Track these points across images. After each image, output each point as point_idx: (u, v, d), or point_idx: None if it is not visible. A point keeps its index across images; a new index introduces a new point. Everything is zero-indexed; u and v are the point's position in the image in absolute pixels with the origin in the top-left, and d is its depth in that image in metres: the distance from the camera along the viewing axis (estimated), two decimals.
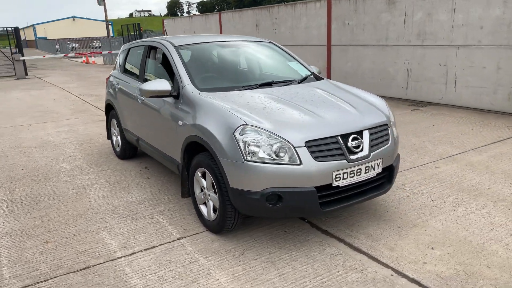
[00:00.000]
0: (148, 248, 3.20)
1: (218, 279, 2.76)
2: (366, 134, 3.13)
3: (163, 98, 3.82)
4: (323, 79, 4.23)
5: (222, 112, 3.13)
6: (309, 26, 11.31)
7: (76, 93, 12.56)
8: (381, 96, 9.52)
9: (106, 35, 37.08)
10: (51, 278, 2.84)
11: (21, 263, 3.06)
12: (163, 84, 3.61)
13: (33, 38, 61.03)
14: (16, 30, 19.19)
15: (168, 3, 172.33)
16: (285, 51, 4.58)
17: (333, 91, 3.71)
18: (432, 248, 3.05)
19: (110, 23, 55.60)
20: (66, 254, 3.16)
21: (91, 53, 26.94)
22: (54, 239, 3.40)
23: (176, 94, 3.67)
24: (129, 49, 5.17)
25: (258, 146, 2.86)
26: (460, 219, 3.50)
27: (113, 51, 24.13)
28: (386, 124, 3.35)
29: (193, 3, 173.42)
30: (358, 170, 3.04)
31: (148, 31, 35.61)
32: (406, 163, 4.95)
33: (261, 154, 2.85)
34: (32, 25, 62.79)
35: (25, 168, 5.28)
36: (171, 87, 3.63)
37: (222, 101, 3.30)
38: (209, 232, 3.40)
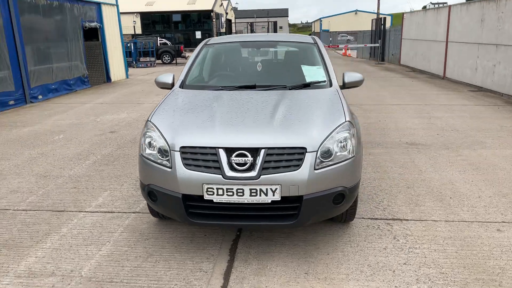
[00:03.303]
0: (108, 212, 3.85)
1: (99, 250, 3.16)
2: (261, 153, 2.74)
3: None
4: (330, 88, 3.67)
5: (156, 107, 3.38)
6: None
7: None
8: None
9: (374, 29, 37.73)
10: (35, 210, 3.90)
11: (41, 193, 4.26)
12: (167, 77, 4.06)
13: (318, 30, 68.34)
14: (275, 24, 22.37)
15: None
16: (321, 54, 4.13)
17: (295, 103, 3.26)
18: None
19: (390, 15, 55.87)
20: (69, 198, 4.18)
21: (336, 45, 28.32)
22: (81, 187, 4.49)
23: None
24: None
25: (150, 143, 3.01)
26: None
27: (368, 45, 24.67)
28: (303, 149, 2.77)
29: None
30: (239, 190, 2.73)
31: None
32: (465, 213, 3.65)
33: (151, 151, 3.00)
34: (319, 19, 70.08)
35: None
36: (173, 80, 4.04)
37: (176, 97, 3.53)
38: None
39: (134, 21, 41.31)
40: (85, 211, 3.86)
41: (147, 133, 3.07)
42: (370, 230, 3.40)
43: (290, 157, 2.76)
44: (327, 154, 2.84)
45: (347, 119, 3.05)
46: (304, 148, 2.78)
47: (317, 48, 4.24)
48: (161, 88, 4.21)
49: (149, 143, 3.02)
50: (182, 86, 3.87)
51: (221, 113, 3.10)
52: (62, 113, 8.85)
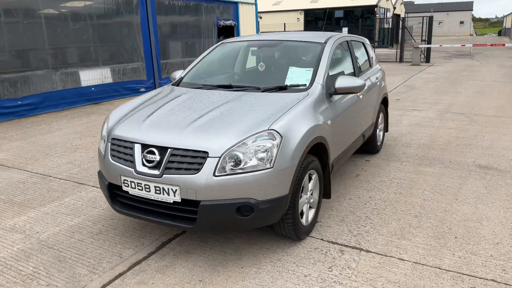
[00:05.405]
0: None
1: (71, 221, 3.65)
2: (168, 153, 2.77)
3: None
4: (301, 93, 3.36)
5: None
6: None
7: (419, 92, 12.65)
8: None
9: None
10: (66, 180, 4.66)
11: (84, 167, 5.03)
12: (178, 74, 4.30)
13: (509, 26, 58.33)
14: (430, 19, 20.25)
15: None
16: (320, 56, 3.76)
17: (240, 106, 3.11)
18: None
19: None
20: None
21: (502, 44, 23.77)
22: None
23: None
24: None
25: (102, 133, 3.33)
26: None
27: None
28: (205, 153, 2.67)
29: None
30: (147, 186, 2.83)
31: None
32: (452, 259, 2.92)
33: (101, 140, 3.32)
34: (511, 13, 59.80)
35: None
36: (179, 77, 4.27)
37: (153, 93, 3.77)
38: None
39: (298, 18, 42.69)
40: (96, 187, 4.45)
41: (104, 124, 3.39)
42: (313, 254, 3.04)
43: (193, 160, 2.71)
44: (235, 161, 2.68)
45: (273, 127, 2.79)
46: (206, 153, 2.69)
47: (321, 49, 3.87)
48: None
49: (102, 132, 3.33)
50: (178, 83, 4.07)
51: (162, 110, 3.21)
52: None
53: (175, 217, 2.84)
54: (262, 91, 3.47)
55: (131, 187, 2.90)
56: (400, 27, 21.10)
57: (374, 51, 21.02)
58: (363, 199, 4.01)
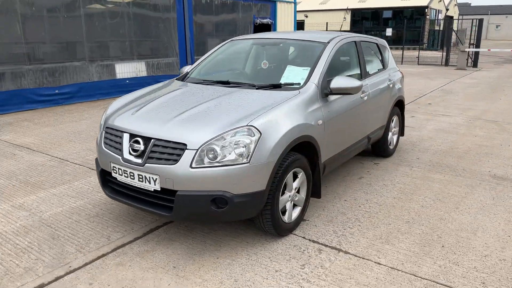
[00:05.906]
0: None
1: (74, 203, 3.89)
2: (151, 143, 2.90)
3: None
4: (292, 91, 3.37)
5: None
6: None
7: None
8: None
9: None
10: (81, 165, 4.94)
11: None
12: (186, 69, 4.44)
13: None
14: (480, 21, 19.29)
15: None
16: (320, 55, 3.74)
17: (229, 102, 3.18)
18: None
19: None
20: None
21: None
22: None
23: None
24: None
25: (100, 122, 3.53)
26: None
27: None
28: (184, 145, 2.77)
29: None
30: (131, 174, 2.97)
31: None
32: (431, 268, 2.85)
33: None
34: None
35: None
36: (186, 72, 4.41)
37: (156, 86, 3.92)
38: None
39: (344, 18, 42.00)
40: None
41: (103, 113, 3.58)
42: (290, 251, 3.07)
43: (172, 151, 2.83)
44: (212, 154, 2.76)
45: (252, 124, 2.84)
46: (185, 145, 2.79)
47: (322, 49, 3.85)
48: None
49: (100, 121, 3.53)
50: (183, 77, 4.20)
51: (156, 103, 3.35)
52: None
53: (155, 204, 2.97)
54: (256, 88, 3.53)
55: (119, 174, 3.06)
56: (447, 29, 20.23)
57: (419, 54, 20.22)
58: (358, 201, 3.97)
